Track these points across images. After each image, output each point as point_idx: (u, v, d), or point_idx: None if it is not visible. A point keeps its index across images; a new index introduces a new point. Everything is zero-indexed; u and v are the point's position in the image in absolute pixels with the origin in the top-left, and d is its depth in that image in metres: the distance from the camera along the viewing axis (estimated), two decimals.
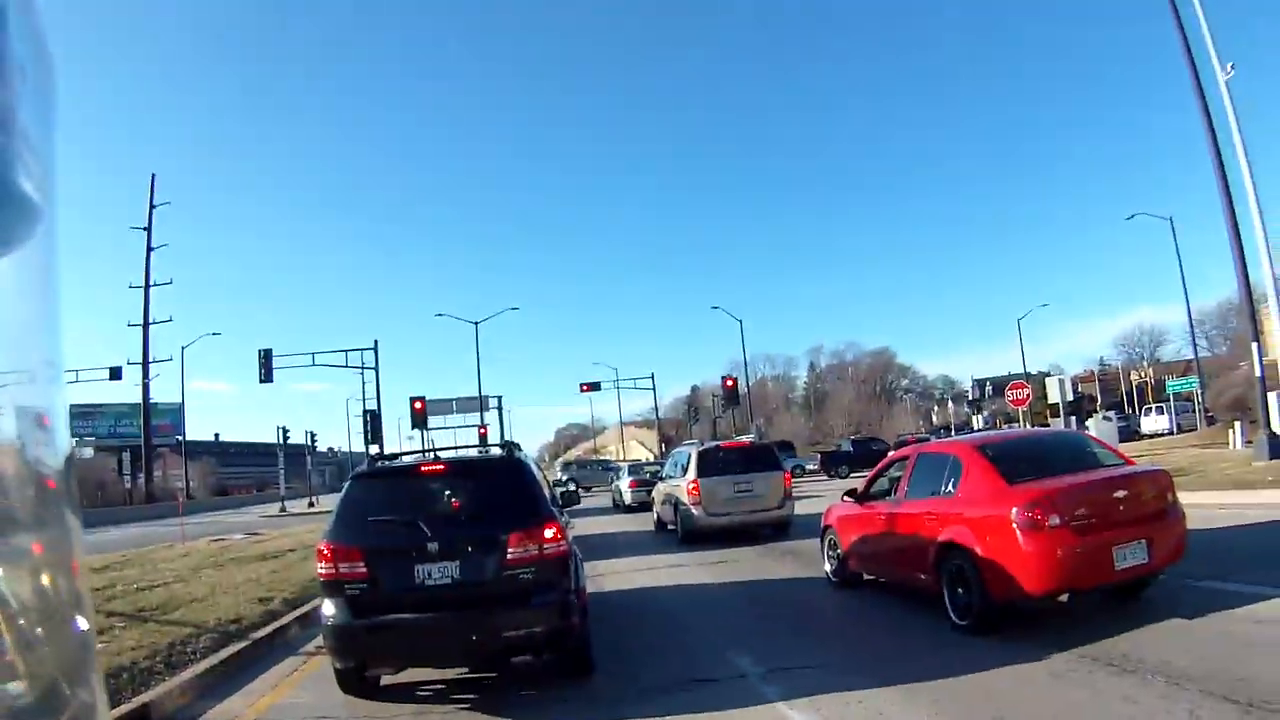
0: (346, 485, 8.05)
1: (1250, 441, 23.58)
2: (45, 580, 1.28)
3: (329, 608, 7.18)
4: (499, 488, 7.94)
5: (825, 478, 48.02)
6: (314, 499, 64.35)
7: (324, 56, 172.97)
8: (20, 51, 1.14)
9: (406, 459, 9.11)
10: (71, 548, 1.34)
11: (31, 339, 1.23)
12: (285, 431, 65.31)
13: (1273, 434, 19.91)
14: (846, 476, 44.03)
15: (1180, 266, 49.95)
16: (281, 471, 67.62)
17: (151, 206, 63.04)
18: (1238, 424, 29.95)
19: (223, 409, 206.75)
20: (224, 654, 9.17)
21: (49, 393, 1.29)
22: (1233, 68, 21.80)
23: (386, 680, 7.93)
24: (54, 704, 1.21)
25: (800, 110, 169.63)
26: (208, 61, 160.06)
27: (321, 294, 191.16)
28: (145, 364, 63.95)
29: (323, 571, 7.27)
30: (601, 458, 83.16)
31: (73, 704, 1.26)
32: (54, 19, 1.27)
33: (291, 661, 9.56)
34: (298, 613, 11.76)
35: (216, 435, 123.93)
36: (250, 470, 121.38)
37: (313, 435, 73.93)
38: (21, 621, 1.19)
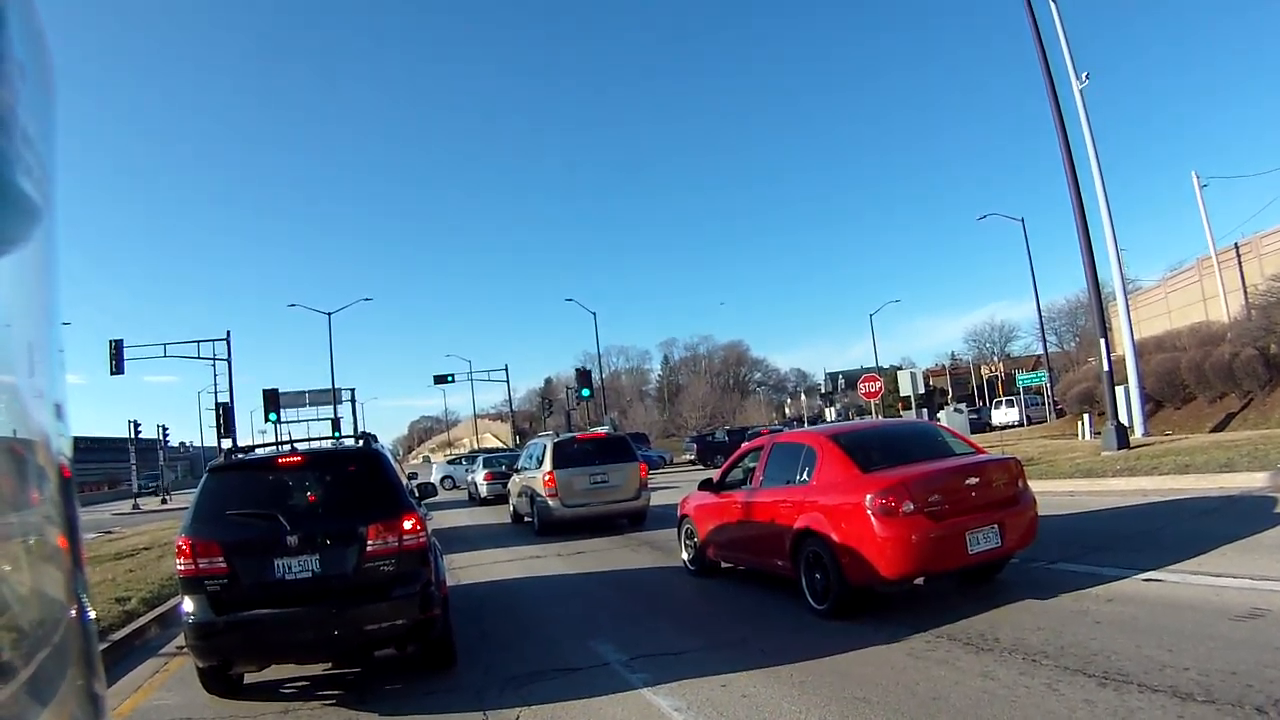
0: (203, 479, 7.82)
1: (1098, 433, 24.48)
2: (56, 568, 1.31)
3: (189, 605, 7.01)
4: (356, 479, 7.88)
5: (699, 466, 48.42)
6: (167, 495, 61.89)
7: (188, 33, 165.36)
8: (20, 51, 1.16)
9: (263, 451, 8.94)
10: (79, 534, 1.37)
11: (33, 336, 1.25)
12: (137, 426, 62.46)
13: (1119, 425, 20.64)
14: None
15: (1031, 265, 52.72)
16: (134, 467, 64.87)
17: None
18: (1086, 416, 31.43)
19: (72, 402, 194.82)
20: None
21: (53, 389, 1.32)
22: (1088, 77, 22.88)
23: (250, 679, 7.79)
24: (56, 689, 1.24)
25: (660, 109, 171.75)
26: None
27: (175, 283, 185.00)
28: None
29: (182, 568, 7.08)
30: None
31: (79, 691, 1.29)
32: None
33: (153, 663, 9.30)
34: (156, 612, 11.44)
35: None
36: (101, 466, 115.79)
37: (165, 429, 71.09)
38: (30, 612, 1.23)
